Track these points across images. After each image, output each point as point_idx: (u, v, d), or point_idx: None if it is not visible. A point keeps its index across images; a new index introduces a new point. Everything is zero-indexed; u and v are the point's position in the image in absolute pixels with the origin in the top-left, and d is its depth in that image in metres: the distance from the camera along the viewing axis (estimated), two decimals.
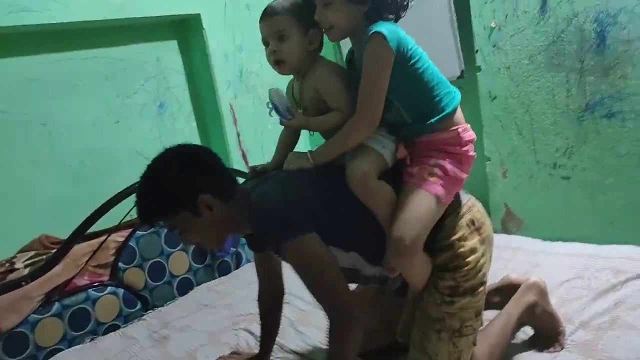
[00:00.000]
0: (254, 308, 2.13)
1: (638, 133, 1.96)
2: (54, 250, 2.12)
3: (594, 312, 1.66)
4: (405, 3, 1.28)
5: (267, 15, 1.29)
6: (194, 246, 2.40)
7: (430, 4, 2.33)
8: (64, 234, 2.25)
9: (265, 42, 1.33)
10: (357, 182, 1.24)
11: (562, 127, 2.15)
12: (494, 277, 1.97)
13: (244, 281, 2.46)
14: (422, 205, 1.24)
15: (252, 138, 2.92)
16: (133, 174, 2.43)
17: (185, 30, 2.78)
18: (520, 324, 1.54)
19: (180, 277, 2.44)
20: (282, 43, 1.28)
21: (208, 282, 2.50)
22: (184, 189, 1.27)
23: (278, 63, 1.31)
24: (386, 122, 1.29)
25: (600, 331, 1.57)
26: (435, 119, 1.27)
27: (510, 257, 2.16)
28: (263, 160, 2.84)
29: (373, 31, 1.18)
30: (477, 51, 2.31)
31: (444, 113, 1.27)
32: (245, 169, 2.86)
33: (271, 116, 1.43)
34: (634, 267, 1.84)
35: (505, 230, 2.43)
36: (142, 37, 2.63)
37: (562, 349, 1.51)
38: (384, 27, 1.19)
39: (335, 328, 1.19)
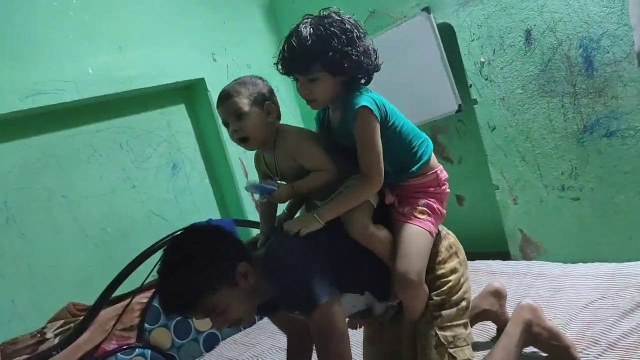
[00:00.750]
0: (282, 357, 2.15)
1: (638, 148, 2.00)
2: (81, 318, 2.17)
3: (621, 333, 1.64)
4: (375, 67, 1.36)
5: (223, 99, 1.37)
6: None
7: (420, 47, 2.44)
8: (90, 300, 2.31)
9: (225, 124, 1.39)
10: (359, 233, 1.36)
11: (564, 150, 2.20)
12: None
13: (269, 331, 2.46)
14: (418, 240, 1.38)
15: None
16: (151, 234, 2.56)
17: (191, 94, 2.92)
18: (523, 345, 1.56)
19: (205, 333, 2.46)
20: (242, 121, 1.34)
21: (233, 335, 2.52)
22: (224, 260, 1.26)
23: (243, 140, 1.37)
24: None
25: (629, 352, 1.55)
26: (416, 167, 1.41)
27: (532, 283, 2.15)
28: (277, 211, 2.97)
29: (360, 106, 1.28)
30: (470, 85, 2.40)
31: (422, 162, 1.42)
32: (258, 220, 2.93)
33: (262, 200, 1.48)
34: None
35: (524, 256, 2.43)
36: (151, 105, 2.78)
37: None
38: (366, 100, 1.30)
39: None
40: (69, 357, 2.03)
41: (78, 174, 2.48)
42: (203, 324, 2.46)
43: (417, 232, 1.38)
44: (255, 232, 2.89)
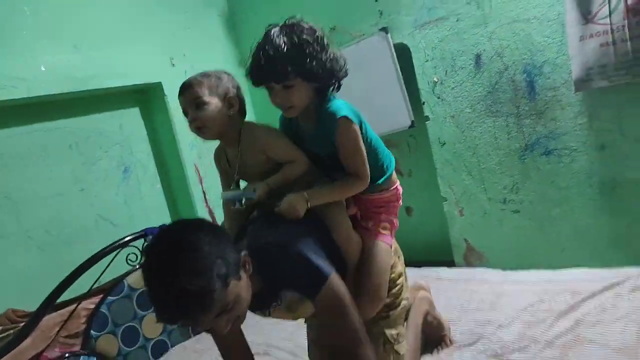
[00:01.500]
0: None
1: (572, 167, 2.21)
2: (22, 324, 2.06)
3: (558, 332, 1.79)
4: (345, 73, 1.40)
5: (184, 88, 1.38)
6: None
7: (377, 65, 2.56)
8: (31, 306, 2.19)
9: (185, 112, 1.39)
10: (345, 233, 1.44)
11: (506, 166, 2.38)
12: (464, 312, 2.11)
13: None
14: (385, 258, 1.50)
15: (217, 196, 2.97)
16: (99, 239, 2.48)
17: (147, 98, 2.88)
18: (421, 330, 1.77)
19: (154, 340, 2.40)
20: (200, 111, 1.35)
21: (184, 342, 2.47)
22: (230, 250, 1.16)
23: (199, 129, 1.37)
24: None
25: (565, 349, 1.70)
26: (382, 179, 1.50)
27: (477, 289, 2.29)
28: None
29: (341, 116, 1.34)
30: (424, 103, 2.55)
31: (387, 174, 1.51)
32: None
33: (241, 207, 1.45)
34: (587, 287, 2.01)
35: (468, 264, 2.58)
36: (104, 107, 2.70)
37: (451, 344, 1.89)
38: (345, 110, 1.35)
39: None
40: None
41: (24, 174, 2.36)
42: (152, 331, 2.40)
43: (384, 250, 1.49)
44: None
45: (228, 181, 1.52)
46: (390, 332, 1.52)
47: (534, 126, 2.26)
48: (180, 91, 1.39)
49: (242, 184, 1.50)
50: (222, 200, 1.50)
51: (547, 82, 2.18)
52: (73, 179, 2.53)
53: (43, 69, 2.29)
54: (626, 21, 1.89)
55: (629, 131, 2.05)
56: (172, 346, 2.45)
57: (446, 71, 2.44)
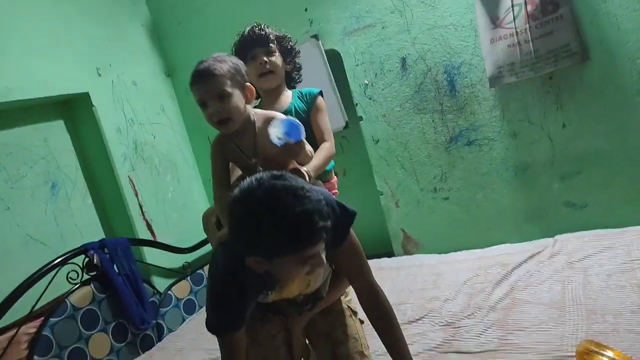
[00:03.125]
0: None
1: (491, 155, 2.49)
2: None
3: (497, 298, 2.03)
4: (300, 67, 1.78)
5: (205, 77, 1.31)
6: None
7: (311, 70, 2.65)
8: None
9: (203, 104, 1.34)
10: None
11: (435, 158, 2.62)
12: (411, 292, 2.28)
13: (173, 350, 2.40)
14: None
15: (154, 208, 2.91)
16: (29, 260, 2.32)
17: (72, 109, 2.75)
18: None
19: None
20: (225, 102, 1.31)
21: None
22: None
23: (223, 122, 1.33)
24: None
25: (506, 310, 1.93)
26: (330, 166, 1.68)
27: (417, 273, 2.48)
28: (167, 228, 2.90)
29: (318, 91, 1.70)
30: (356, 104, 2.72)
31: (332, 163, 1.69)
32: (151, 238, 2.83)
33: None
34: (514, 259, 2.28)
35: (406, 252, 2.78)
36: (26, 120, 2.54)
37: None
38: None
39: (383, 300, 1.41)
40: None
41: None
42: (99, 350, 2.28)
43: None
44: (148, 250, 2.78)
45: (243, 167, 1.44)
46: (350, 305, 1.64)
47: (457, 120, 2.52)
48: (197, 79, 1.32)
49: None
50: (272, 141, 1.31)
51: (465, 81, 2.45)
52: None
53: None
54: (527, 25, 2.22)
55: (533, 119, 2.37)
56: None
57: (376, 74, 2.64)
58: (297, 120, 1.33)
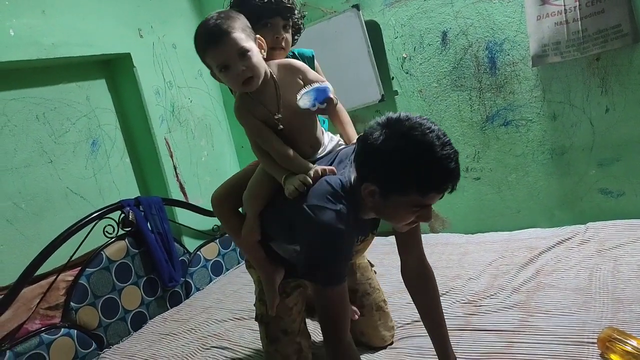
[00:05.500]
0: (220, 329, 2.20)
1: (528, 136, 2.44)
2: (1, 297, 2.00)
3: (522, 280, 2.01)
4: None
5: (220, 37, 1.24)
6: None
7: (349, 41, 2.67)
8: (3, 281, 2.13)
9: (225, 66, 1.27)
10: None
11: (469, 137, 2.58)
12: (435, 269, 2.28)
13: (200, 308, 2.49)
14: None
15: (188, 170, 2.99)
16: (68, 212, 2.44)
17: (113, 69, 2.81)
18: None
19: (133, 312, 2.40)
20: (246, 59, 1.26)
21: (162, 314, 2.49)
22: None
23: (250, 80, 1.28)
24: None
25: (530, 293, 1.91)
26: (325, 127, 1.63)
27: (443, 250, 2.48)
28: (200, 191, 2.97)
29: (312, 53, 1.60)
30: (392, 78, 2.69)
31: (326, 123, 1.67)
32: (183, 199, 2.92)
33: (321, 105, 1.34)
34: (542, 244, 2.25)
35: (433, 230, 2.78)
36: (70, 77, 2.61)
37: None
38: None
39: (432, 273, 1.54)
40: None
41: None
42: (131, 302, 2.40)
43: None
44: (180, 211, 2.87)
45: (271, 127, 1.41)
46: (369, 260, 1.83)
47: (495, 99, 2.46)
48: (212, 42, 1.25)
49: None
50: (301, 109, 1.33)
51: (507, 58, 2.38)
52: (40, 151, 2.45)
53: (12, 33, 2.19)
54: (577, 3, 2.12)
55: (575, 102, 2.30)
56: (150, 318, 2.47)
57: (414, 48, 2.59)
58: (322, 83, 1.34)
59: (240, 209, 1.57)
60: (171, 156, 2.89)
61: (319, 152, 1.45)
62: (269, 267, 1.53)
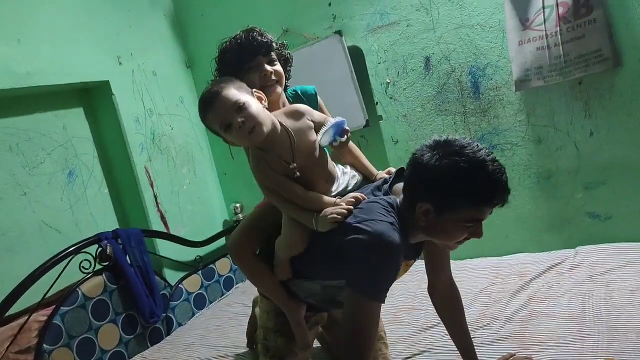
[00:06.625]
0: None
1: (514, 160, 2.42)
2: None
3: (514, 309, 1.96)
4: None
5: (213, 100, 1.29)
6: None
7: (332, 66, 2.65)
8: None
9: (227, 125, 1.29)
10: None
11: None
12: (425, 298, 2.21)
13: (181, 345, 2.38)
14: None
15: (169, 199, 2.90)
16: (43, 247, 2.33)
17: (91, 97, 2.75)
18: None
19: (111, 352, 2.28)
20: (245, 110, 1.28)
21: (142, 352, 2.37)
22: None
23: (254, 129, 1.28)
24: None
25: (524, 322, 1.87)
26: None
27: None
28: (181, 221, 2.89)
29: (314, 89, 1.66)
30: (377, 103, 2.67)
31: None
32: (164, 230, 2.83)
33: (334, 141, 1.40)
34: (532, 269, 2.22)
35: (421, 257, 2.72)
36: (46, 106, 2.54)
37: None
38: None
39: (459, 295, 1.63)
40: None
41: None
42: (108, 341, 2.28)
43: None
44: (160, 242, 2.78)
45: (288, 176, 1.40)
46: None
47: (479, 123, 2.45)
48: (207, 107, 1.30)
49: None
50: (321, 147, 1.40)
51: (490, 83, 2.38)
52: (13, 183, 2.35)
53: None
54: (558, 28, 2.14)
55: (560, 125, 2.30)
56: (129, 357, 2.35)
57: (398, 73, 2.58)
58: (339, 118, 1.39)
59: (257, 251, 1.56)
60: (151, 185, 2.81)
61: (335, 185, 1.45)
62: (292, 303, 1.50)
